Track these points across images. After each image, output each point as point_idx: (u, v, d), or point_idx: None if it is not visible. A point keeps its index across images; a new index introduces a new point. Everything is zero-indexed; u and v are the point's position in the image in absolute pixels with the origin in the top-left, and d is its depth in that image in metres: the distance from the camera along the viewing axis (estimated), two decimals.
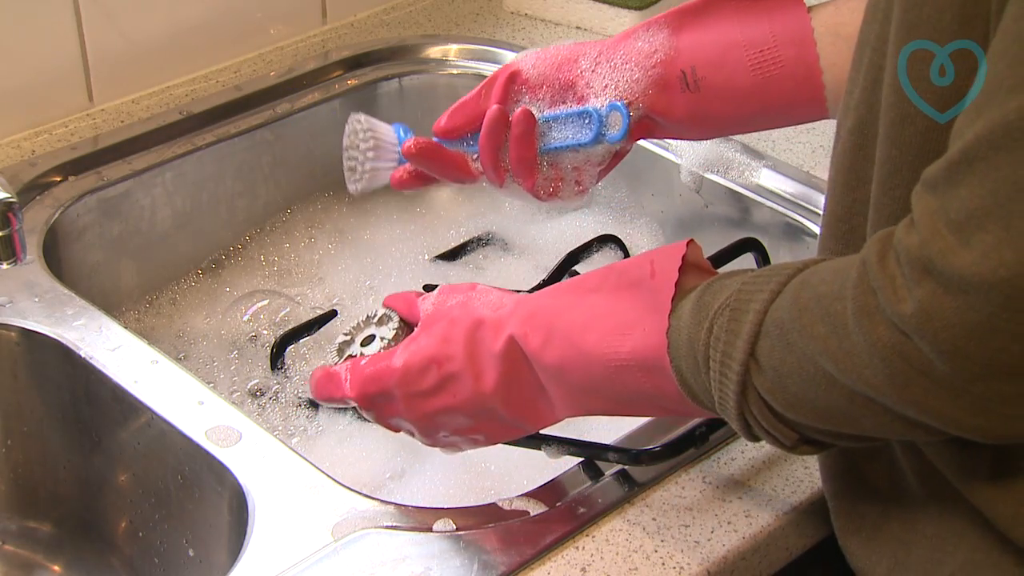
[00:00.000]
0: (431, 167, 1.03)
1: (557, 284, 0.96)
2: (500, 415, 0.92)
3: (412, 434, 0.96)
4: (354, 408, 0.98)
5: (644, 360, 0.84)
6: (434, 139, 1.03)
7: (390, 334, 0.96)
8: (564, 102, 1.01)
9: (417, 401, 0.93)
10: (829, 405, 0.75)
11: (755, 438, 0.82)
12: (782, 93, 0.99)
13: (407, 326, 0.97)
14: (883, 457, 0.86)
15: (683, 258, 0.86)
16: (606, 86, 1.00)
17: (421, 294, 0.98)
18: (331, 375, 0.97)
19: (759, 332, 0.77)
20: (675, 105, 0.99)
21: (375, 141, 1.04)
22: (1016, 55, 0.66)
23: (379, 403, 0.95)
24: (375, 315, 0.98)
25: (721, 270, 1.18)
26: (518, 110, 1.01)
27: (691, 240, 0.88)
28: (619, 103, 0.99)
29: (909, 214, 0.70)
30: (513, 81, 1.02)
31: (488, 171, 1.02)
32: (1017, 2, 0.67)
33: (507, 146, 1.01)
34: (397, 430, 0.97)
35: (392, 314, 0.98)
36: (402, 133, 1.05)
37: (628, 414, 0.91)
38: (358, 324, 0.99)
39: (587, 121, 1.00)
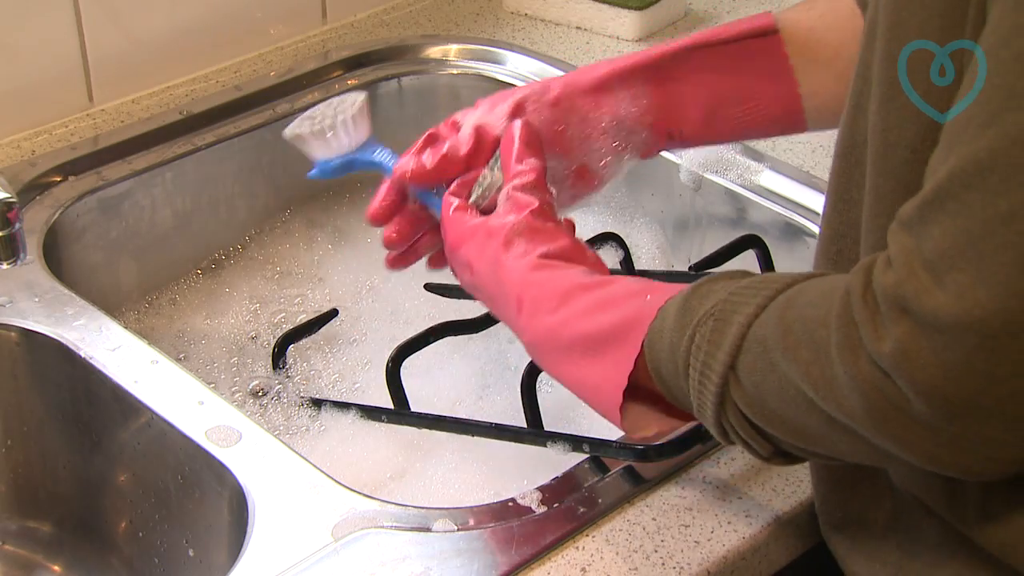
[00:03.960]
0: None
1: None
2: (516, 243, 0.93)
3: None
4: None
5: (620, 327, 0.84)
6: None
7: (490, 179, 0.99)
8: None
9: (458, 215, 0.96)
10: (807, 426, 0.75)
11: (731, 443, 0.82)
12: (765, 131, 1.05)
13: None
14: (878, 480, 0.86)
15: None
16: (597, 161, 1.02)
17: (531, 143, 0.98)
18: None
19: (741, 346, 0.77)
20: (659, 149, 1.04)
21: (356, 122, 1.06)
22: (986, 93, 0.66)
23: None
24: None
25: (722, 268, 1.20)
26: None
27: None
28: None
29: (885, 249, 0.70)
30: (482, 137, 1.02)
31: None
32: (987, 38, 0.67)
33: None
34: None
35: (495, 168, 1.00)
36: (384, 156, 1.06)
37: (564, 374, 0.90)
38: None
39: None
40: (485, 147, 1.00)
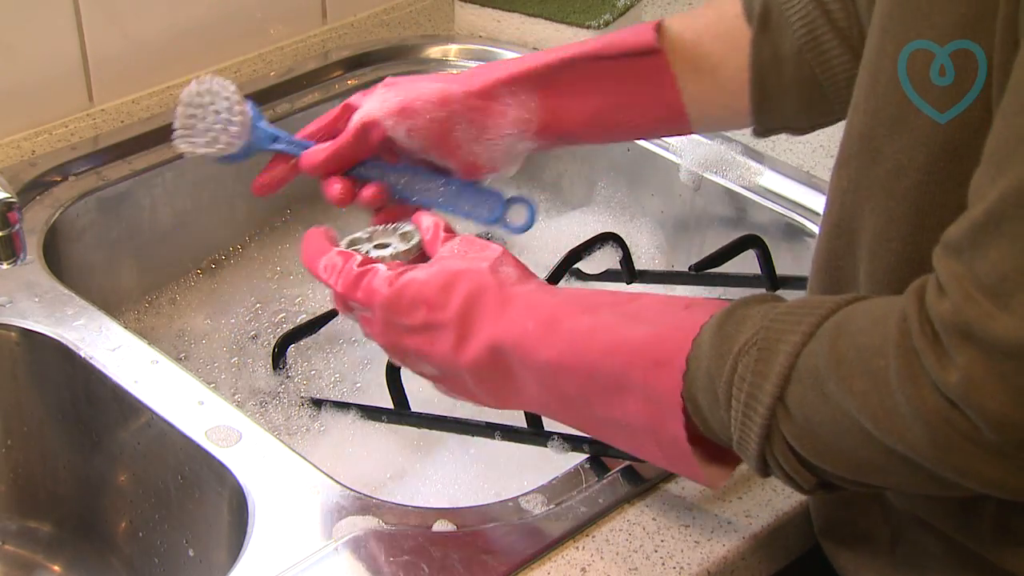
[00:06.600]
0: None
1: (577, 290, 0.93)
2: (468, 383, 0.90)
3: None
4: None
5: (655, 392, 0.81)
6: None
7: (403, 247, 0.96)
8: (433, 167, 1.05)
9: (396, 331, 0.90)
10: (862, 459, 0.73)
11: (768, 475, 0.79)
12: (653, 133, 1.12)
13: (422, 253, 0.96)
14: (879, 499, 0.86)
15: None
16: (488, 159, 1.03)
17: (450, 230, 0.96)
18: (324, 246, 0.95)
19: (790, 376, 0.74)
20: (551, 146, 1.06)
21: (241, 116, 1.08)
22: None
23: (357, 311, 0.93)
24: (399, 228, 0.98)
25: (722, 268, 1.20)
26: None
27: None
28: (529, 201, 1.03)
29: (927, 272, 0.69)
30: (368, 131, 1.03)
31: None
32: None
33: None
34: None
35: (415, 234, 0.97)
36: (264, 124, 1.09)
37: (602, 436, 0.89)
38: (381, 229, 0.99)
39: (488, 201, 1.04)
40: (371, 143, 1.03)
